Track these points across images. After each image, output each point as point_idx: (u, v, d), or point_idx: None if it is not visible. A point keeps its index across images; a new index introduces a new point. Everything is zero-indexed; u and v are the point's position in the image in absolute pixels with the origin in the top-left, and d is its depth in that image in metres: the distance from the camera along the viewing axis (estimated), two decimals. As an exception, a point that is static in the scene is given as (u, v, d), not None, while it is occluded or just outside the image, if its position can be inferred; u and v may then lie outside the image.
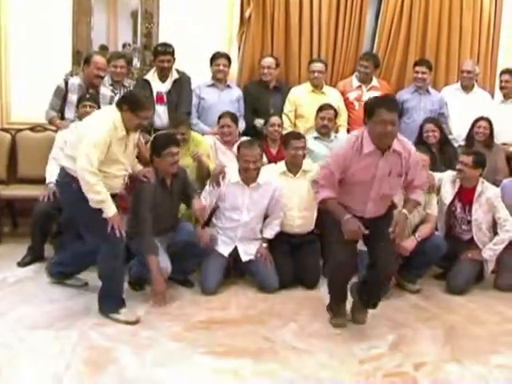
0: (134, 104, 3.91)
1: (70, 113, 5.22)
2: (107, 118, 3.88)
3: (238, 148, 4.68)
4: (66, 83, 5.23)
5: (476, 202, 4.77)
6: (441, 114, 5.92)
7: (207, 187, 4.68)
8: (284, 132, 5.47)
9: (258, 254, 4.67)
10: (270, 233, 4.76)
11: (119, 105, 3.95)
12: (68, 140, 4.04)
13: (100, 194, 3.76)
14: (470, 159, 4.76)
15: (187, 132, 5.11)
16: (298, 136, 4.86)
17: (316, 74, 5.86)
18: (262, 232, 4.79)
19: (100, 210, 3.79)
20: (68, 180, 3.91)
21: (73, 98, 5.20)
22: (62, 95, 5.23)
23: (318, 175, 3.99)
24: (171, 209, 4.54)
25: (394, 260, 4.05)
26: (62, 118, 5.24)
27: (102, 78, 5.26)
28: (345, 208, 3.79)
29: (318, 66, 5.90)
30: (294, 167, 4.83)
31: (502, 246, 4.75)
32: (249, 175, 4.60)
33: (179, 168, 4.52)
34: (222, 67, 5.71)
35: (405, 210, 3.90)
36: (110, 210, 3.83)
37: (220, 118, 5.31)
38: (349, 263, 3.83)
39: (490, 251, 4.75)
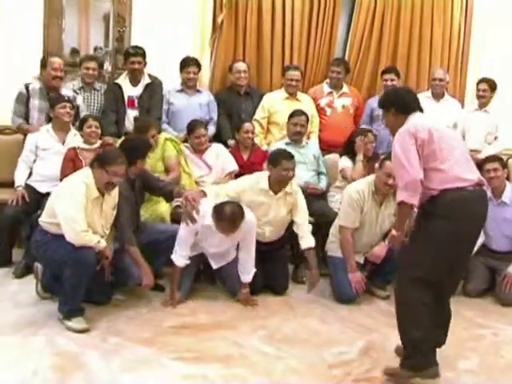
0: (103, 158, 3.91)
1: (33, 118, 5.23)
2: (78, 178, 3.92)
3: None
4: (27, 88, 5.20)
5: None
6: None
7: (181, 224, 4.39)
8: (255, 138, 5.51)
9: (239, 299, 4.51)
10: (247, 277, 4.52)
11: (91, 163, 3.96)
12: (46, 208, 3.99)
13: (95, 239, 3.85)
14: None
15: (156, 134, 5.08)
16: (289, 156, 4.58)
17: (294, 83, 5.87)
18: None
19: (62, 238, 3.78)
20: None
21: (35, 103, 5.21)
22: (24, 101, 5.21)
23: None
24: (135, 205, 4.52)
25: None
26: (27, 122, 5.23)
27: (61, 78, 5.23)
28: None
29: (295, 74, 5.90)
30: (278, 187, 4.59)
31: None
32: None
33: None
34: (192, 75, 5.73)
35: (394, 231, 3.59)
36: (103, 243, 3.91)
37: (193, 128, 5.27)
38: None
39: None
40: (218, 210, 4.19)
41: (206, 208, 4.29)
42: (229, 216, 4.15)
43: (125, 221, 4.27)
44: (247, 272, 4.51)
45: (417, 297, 3.30)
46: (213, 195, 4.43)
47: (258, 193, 4.58)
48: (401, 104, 3.53)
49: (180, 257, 4.36)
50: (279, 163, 4.51)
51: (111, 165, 3.86)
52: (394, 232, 3.52)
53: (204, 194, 4.44)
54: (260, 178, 4.65)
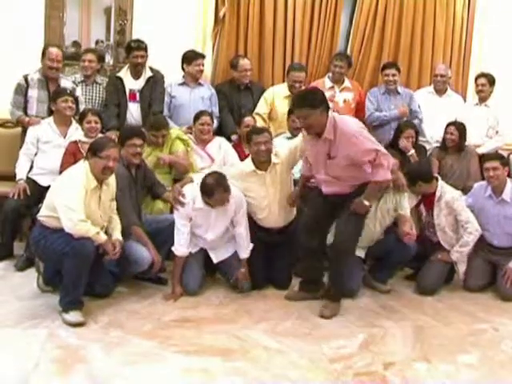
0: (93, 147, 3.98)
1: (31, 110, 5.22)
2: (76, 170, 3.97)
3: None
4: (26, 79, 5.21)
5: (436, 207, 4.80)
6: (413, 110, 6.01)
7: (174, 212, 4.48)
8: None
9: (235, 278, 4.54)
10: (245, 252, 4.56)
11: (86, 156, 4.03)
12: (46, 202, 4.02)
13: (94, 230, 3.86)
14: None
15: (167, 133, 5.10)
16: (259, 131, 4.65)
17: (297, 85, 5.81)
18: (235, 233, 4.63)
19: (61, 231, 3.81)
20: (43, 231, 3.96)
21: (33, 93, 5.21)
22: (23, 92, 5.22)
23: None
24: (136, 199, 4.55)
25: (349, 237, 4.21)
26: (26, 114, 5.22)
27: (58, 69, 5.24)
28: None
29: (300, 75, 5.84)
30: (261, 164, 4.60)
31: (468, 248, 4.80)
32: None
33: (142, 161, 4.63)
34: (202, 67, 5.73)
35: (361, 198, 4.10)
36: (103, 236, 3.94)
37: (198, 116, 5.30)
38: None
39: (457, 253, 4.79)
40: (203, 184, 4.32)
41: (195, 193, 4.40)
42: (214, 183, 4.28)
43: (126, 204, 4.33)
44: (244, 247, 4.56)
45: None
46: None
47: (249, 176, 4.62)
48: (327, 103, 4.07)
49: (180, 246, 4.39)
50: (251, 139, 4.59)
51: (103, 150, 3.93)
52: (366, 203, 4.09)
53: (191, 180, 4.56)
54: (245, 163, 4.74)
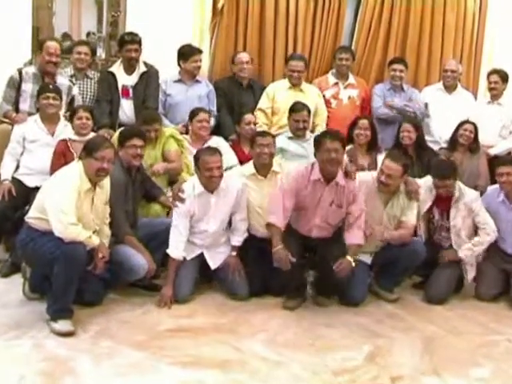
0: (88, 147, 3.97)
1: (24, 104, 5.20)
2: (69, 171, 3.95)
3: (197, 158, 4.52)
4: (20, 73, 5.18)
5: (453, 208, 4.78)
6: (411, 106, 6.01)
7: (173, 211, 4.52)
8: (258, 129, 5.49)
9: (226, 264, 4.62)
10: (237, 239, 4.68)
11: (80, 155, 4.02)
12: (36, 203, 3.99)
13: (85, 233, 3.84)
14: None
15: (160, 128, 5.09)
16: (263, 134, 4.81)
17: (295, 74, 5.84)
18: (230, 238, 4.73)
19: (51, 234, 3.78)
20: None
21: (27, 87, 5.18)
22: (15, 86, 5.19)
23: (270, 200, 4.46)
24: (134, 202, 4.56)
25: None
26: (17, 110, 5.20)
27: (56, 64, 5.21)
28: (294, 228, 4.47)
29: (298, 65, 5.86)
30: (262, 168, 4.71)
31: (481, 249, 4.78)
32: (214, 184, 4.48)
33: (140, 164, 4.63)
34: (199, 63, 5.71)
35: (349, 257, 4.24)
36: (96, 239, 3.93)
37: (196, 112, 5.29)
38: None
39: (467, 251, 4.75)
40: (195, 158, 4.50)
41: (192, 181, 4.53)
42: (204, 148, 4.59)
43: (119, 214, 4.33)
44: (239, 235, 4.68)
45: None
46: None
47: (248, 179, 4.72)
48: None
49: (175, 248, 4.40)
50: (255, 141, 4.69)
51: (98, 150, 3.91)
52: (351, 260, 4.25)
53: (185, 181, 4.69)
54: (246, 166, 4.86)
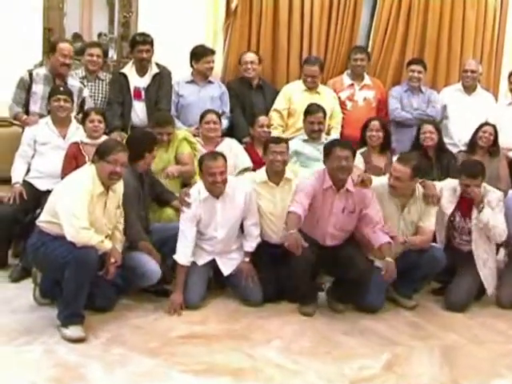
0: (101, 151, 3.98)
1: (34, 105, 5.20)
2: (82, 174, 3.96)
3: (200, 162, 4.51)
4: (30, 74, 5.20)
5: (476, 209, 4.74)
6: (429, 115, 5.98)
7: (181, 216, 4.52)
8: (273, 131, 5.53)
9: (239, 269, 4.60)
10: (250, 245, 4.66)
11: (92, 159, 4.03)
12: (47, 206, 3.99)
13: (97, 238, 3.85)
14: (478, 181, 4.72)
15: (173, 131, 5.10)
16: (277, 140, 4.76)
17: (309, 79, 5.86)
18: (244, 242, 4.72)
19: (63, 239, 3.79)
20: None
21: (38, 88, 5.18)
22: (26, 87, 5.20)
23: (295, 194, 4.45)
24: (144, 208, 4.58)
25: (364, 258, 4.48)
26: (27, 111, 5.20)
27: (69, 66, 5.22)
28: (308, 237, 4.33)
29: (312, 69, 5.87)
30: (274, 175, 4.69)
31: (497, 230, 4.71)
32: (216, 189, 4.46)
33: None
34: (212, 64, 5.72)
35: (389, 259, 4.26)
36: (108, 244, 3.94)
37: (204, 114, 5.30)
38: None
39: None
40: (199, 162, 4.51)
41: (198, 186, 4.52)
42: (208, 153, 4.59)
43: (133, 218, 4.35)
44: (251, 241, 4.65)
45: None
46: None
47: (260, 186, 4.71)
48: None
49: (182, 254, 4.40)
50: (268, 148, 4.67)
51: (110, 154, 3.92)
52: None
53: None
54: (258, 172, 4.84)
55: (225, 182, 4.43)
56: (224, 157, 4.50)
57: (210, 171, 4.37)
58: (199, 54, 5.69)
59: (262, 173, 4.76)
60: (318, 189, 4.43)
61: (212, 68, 5.75)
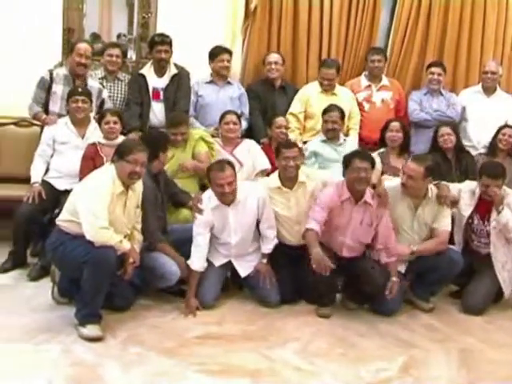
0: (120, 151, 4.00)
1: (54, 105, 5.23)
2: (103, 174, 3.99)
3: (208, 172, 4.51)
4: (51, 74, 5.22)
5: (495, 210, 4.70)
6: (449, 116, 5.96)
7: (194, 223, 4.51)
8: (290, 133, 5.53)
9: (257, 271, 4.60)
10: (267, 247, 4.65)
11: (112, 159, 4.05)
12: (67, 205, 4.01)
13: (116, 237, 3.87)
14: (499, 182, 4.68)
15: (187, 131, 5.11)
16: (289, 145, 4.74)
17: (326, 82, 5.86)
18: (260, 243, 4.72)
19: (82, 238, 3.81)
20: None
21: (58, 88, 5.21)
22: (46, 87, 5.22)
23: (309, 213, 4.45)
24: (162, 209, 4.61)
25: (380, 273, 4.43)
26: (46, 111, 5.22)
27: (86, 66, 5.24)
28: (325, 247, 4.35)
29: (329, 72, 5.87)
30: (287, 180, 4.66)
31: None
32: (226, 199, 4.46)
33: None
34: (226, 63, 5.72)
35: (394, 278, 4.36)
36: (127, 244, 3.97)
37: (223, 115, 5.31)
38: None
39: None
40: (207, 171, 4.51)
41: (208, 193, 4.53)
42: (216, 162, 4.56)
43: (151, 218, 4.36)
44: (268, 243, 4.64)
45: None
46: None
47: (273, 192, 4.68)
48: None
49: (196, 259, 4.40)
50: (280, 153, 4.65)
51: (130, 153, 3.94)
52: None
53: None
54: (271, 177, 4.83)
55: (234, 191, 4.43)
56: (232, 166, 4.48)
57: (218, 182, 4.37)
58: (214, 53, 5.71)
59: (274, 178, 4.73)
60: (336, 200, 4.45)
61: (227, 67, 5.75)
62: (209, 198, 4.49)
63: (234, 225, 4.51)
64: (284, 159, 4.59)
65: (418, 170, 4.48)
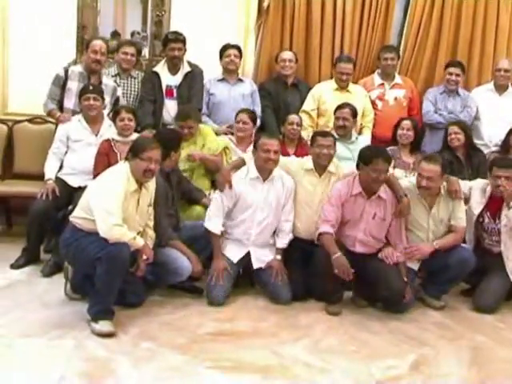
0: (135, 148, 4.02)
1: (69, 102, 5.26)
2: (118, 171, 4.01)
3: (255, 141, 4.64)
4: (66, 71, 5.26)
5: (505, 207, 4.70)
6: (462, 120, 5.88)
7: (216, 193, 4.63)
8: (302, 131, 5.53)
9: (270, 267, 4.62)
10: (283, 242, 4.70)
11: (126, 156, 4.07)
12: (82, 202, 4.03)
13: (130, 234, 3.89)
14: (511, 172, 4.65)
15: (195, 125, 5.13)
16: (324, 134, 4.79)
17: (344, 77, 5.87)
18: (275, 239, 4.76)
19: (96, 235, 3.83)
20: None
21: (72, 85, 5.24)
22: (61, 84, 5.26)
23: (321, 212, 4.53)
24: (173, 207, 4.63)
25: (399, 276, 4.44)
26: (61, 107, 5.26)
27: (100, 63, 5.27)
28: (338, 242, 4.42)
29: (347, 67, 5.88)
30: (318, 166, 4.71)
31: None
32: (268, 166, 4.54)
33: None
34: (233, 57, 5.73)
35: (405, 278, 4.46)
36: (140, 241, 3.99)
37: (237, 113, 5.35)
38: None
39: None
40: (255, 140, 4.68)
41: (247, 167, 4.65)
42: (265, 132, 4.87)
43: (163, 218, 4.39)
44: (283, 237, 4.72)
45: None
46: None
47: (304, 174, 4.74)
48: None
49: (213, 223, 4.55)
50: (315, 140, 4.73)
51: (145, 151, 3.96)
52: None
53: (243, 162, 4.74)
54: (306, 160, 4.83)
55: (276, 162, 4.54)
56: (279, 140, 4.68)
57: (265, 147, 4.47)
58: (221, 50, 5.75)
59: (309, 161, 4.77)
60: (347, 194, 4.48)
61: (234, 62, 5.75)
62: (247, 170, 4.59)
63: (263, 201, 4.58)
64: (318, 147, 4.66)
65: (435, 170, 4.49)
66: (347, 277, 4.21)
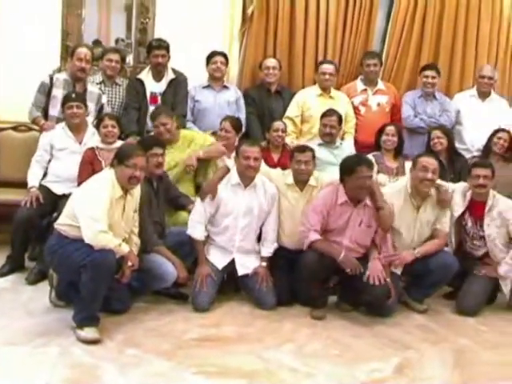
0: (120, 155, 4.02)
1: (54, 110, 5.25)
2: (103, 178, 4.00)
3: (237, 147, 4.64)
4: (51, 79, 5.25)
5: (487, 217, 4.74)
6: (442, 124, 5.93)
7: (198, 201, 4.63)
8: (286, 137, 5.55)
9: (255, 273, 4.63)
10: (267, 251, 4.70)
11: (111, 163, 4.05)
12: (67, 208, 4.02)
13: (115, 241, 3.89)
14: (489, 171, 4.73)
15: (169, 122, 5.07)
16: (303, 149, 4.73)
17: (327, 77, 5.91)
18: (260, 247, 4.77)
19: (81, 241, 3.82)
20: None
21: (57, 92, 5.23)
22: (46, 91, 5.25)
23: (305, 220, 4.50)
24: (158, 213, 4.62)
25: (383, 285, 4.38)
26: (46, 115, 5.26)
27: (85, 71, 5.27)
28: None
29: (329, 67, 5.93)
30: (299, 182, 4.73)
31: None
32: (248, 174, 4.55)
33: (163, 172, 4.70)
34: (219, 64, 5.74)
35: (388, 280, 4.40)
36: (126, 247, 3.98)
37: (221, 121, 5.35)
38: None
39: (506, 266, 4.70)
40: (236, 147, 4.68)
41: (229, 175, 4.65)
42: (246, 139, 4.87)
43: (147, 225, 4.39)
44: (268, 246, 4.72)
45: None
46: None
47: (286, 188, 4.75)
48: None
49: (197, 231, 4.56)
50: (293, 156, 4.71)
51: (130, 158, 3.96)
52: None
53: (228, 170, 4.70)
54: (287, 174, 4.82)
55: (257, 169, 4.55)
56: (261, 147, 4.69)
57: (245, 155, 4.49)
58: (208, 57, 5.77)
59: (290, 175, 4.77)
60: (331, 204, 4.48)
61: (219, 69, 5.76)
62: (229, 176, 4.60)
63: (245, 207, 4.59)
64: (297, 163, 4.66)
65: (435, 163, 4.61)
66: (358, 272, 4.30)
